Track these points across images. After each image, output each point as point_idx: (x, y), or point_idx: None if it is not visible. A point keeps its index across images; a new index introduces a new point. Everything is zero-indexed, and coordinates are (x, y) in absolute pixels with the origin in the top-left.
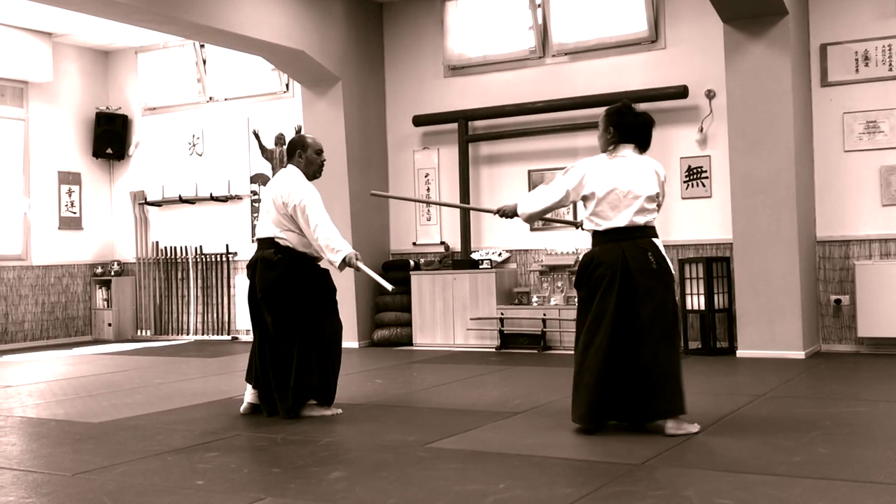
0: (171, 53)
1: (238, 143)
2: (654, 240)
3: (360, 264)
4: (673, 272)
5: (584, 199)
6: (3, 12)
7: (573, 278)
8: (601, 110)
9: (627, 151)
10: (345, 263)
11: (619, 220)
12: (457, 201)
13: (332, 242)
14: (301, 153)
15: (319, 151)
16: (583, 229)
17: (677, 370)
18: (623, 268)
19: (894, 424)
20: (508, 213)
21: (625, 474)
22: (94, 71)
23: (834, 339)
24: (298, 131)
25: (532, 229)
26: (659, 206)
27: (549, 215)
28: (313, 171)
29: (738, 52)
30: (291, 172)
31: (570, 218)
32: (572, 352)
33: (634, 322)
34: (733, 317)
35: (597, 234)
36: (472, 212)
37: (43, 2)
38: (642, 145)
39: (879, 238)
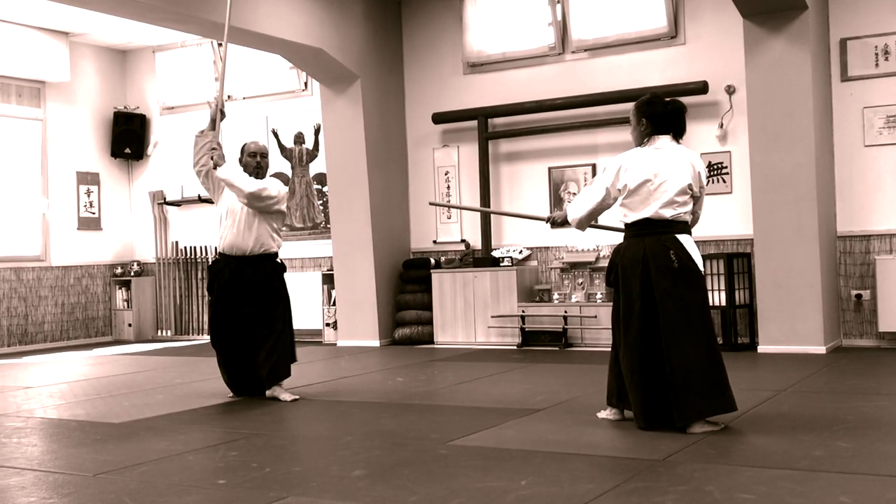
0: (189, 52)
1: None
2: (680, 236)
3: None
4: (701, 269)
5: (619, 191)
6: (19, 12)
7: (594, 275)
8: (621, 107)
9: (663, 142)
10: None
11: (646, 211)
12: (478, 199)
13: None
14: (241, 159)
15: (253, 154)
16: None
17: (704, 371)
18: (643, 266)
19: None
20: (559, 220)
21: (647, 469)
22: (112, 70)
23: (855, 334)
24: (318, 130)
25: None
26: (694, 198)
27: (600, 222)
28: (249, 174)
29: (757, 48)
30: None
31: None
32: (594, 349)
33: (658, 323)
34: (754, 312)
35: (626, 227)
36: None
37: (60, 1)
38: (678, 133)
39: None
